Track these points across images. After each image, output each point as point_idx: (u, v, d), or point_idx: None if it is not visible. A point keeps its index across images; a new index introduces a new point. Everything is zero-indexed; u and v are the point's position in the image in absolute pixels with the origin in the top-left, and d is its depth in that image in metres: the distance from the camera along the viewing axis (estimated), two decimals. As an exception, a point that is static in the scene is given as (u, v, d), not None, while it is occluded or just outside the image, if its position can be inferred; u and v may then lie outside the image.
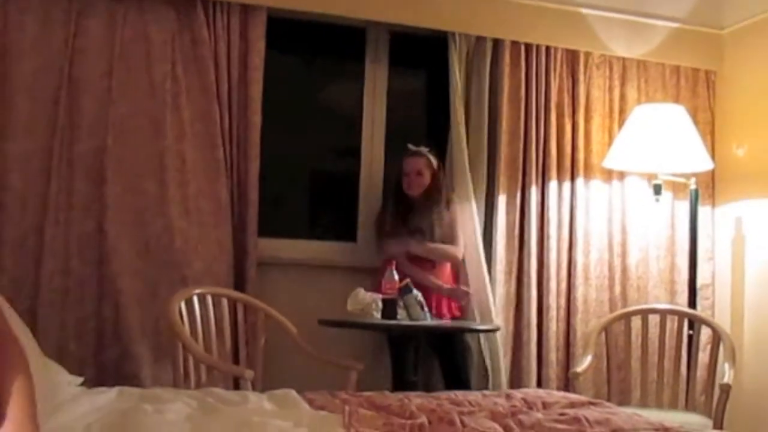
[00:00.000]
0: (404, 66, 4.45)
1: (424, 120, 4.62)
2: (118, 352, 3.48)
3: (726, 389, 3.48)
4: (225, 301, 3.49)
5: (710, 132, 4.43)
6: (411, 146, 3.92)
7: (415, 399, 2.54)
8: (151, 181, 3.60)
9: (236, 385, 3.35)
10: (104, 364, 3.47)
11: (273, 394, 2.58)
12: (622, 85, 4.33)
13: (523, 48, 4.12)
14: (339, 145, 4.45)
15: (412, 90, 4.67)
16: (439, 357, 3.89)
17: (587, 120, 4.24)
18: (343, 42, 4.34)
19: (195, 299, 3.33)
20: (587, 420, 2.30)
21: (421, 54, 4.41)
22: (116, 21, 3.56)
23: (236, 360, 3.61)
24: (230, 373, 3.33)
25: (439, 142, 4.07)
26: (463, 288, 3.83)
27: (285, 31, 4.02)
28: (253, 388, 3.07)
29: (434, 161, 3.89)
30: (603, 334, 3.88)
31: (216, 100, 3.67)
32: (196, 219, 3.65)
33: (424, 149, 3.90)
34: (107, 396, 2.41)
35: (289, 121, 3.86)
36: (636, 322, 3.96)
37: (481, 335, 3.93)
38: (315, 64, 4.53)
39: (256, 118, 3.73)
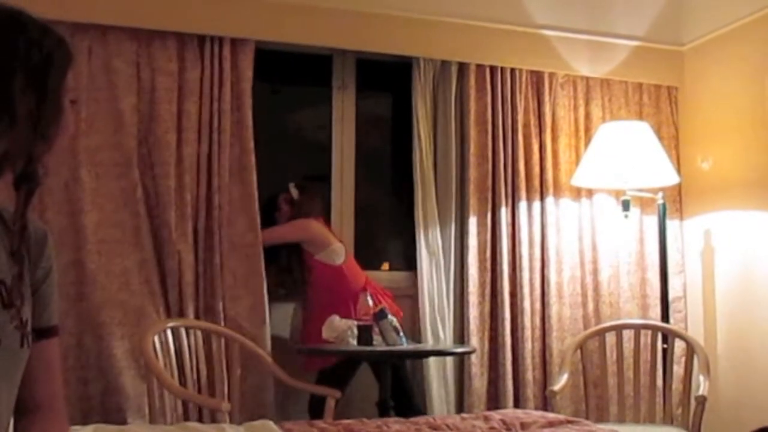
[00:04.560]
0: (372, 91, 4.46)
1: (393, 144, 4.64)
2: (103, 385, 3.44)
3: (702, 401, 3.50)
4: (199, 333, 3.47)
5: (675, 147, 4.49)
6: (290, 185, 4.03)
7: (394, 425, 2.53)
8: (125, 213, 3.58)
9: (213, 417, 3.32)
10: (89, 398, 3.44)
11: (250, 425, 2.56)
12: (587, 104, 4.38)
13: (488, 71, 4.15)
14: (309, 171, 4.44)
15: (382, 115, 4.69)
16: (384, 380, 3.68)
17: (554, 139, 4.28)
18: (309, 69, 4.35)
19: (169, 332, 3.31)
20: (565, 439, 2.31)
21: (389, 79, 4.43)
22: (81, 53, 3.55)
23: (213, 392, 3.58)
24: (206, 406, 3.30)
25: (408, 166, 4.08)
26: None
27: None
28: (231, 420, 3.05)
29: (295, 193, 3.97)
30: (578, 352, 3.90)
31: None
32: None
33: (291, 185, 3.99)
34: (82, 435, 2.39)
35: (258, 148, 3.86)
36: (610, 338, 3.98)
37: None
38: (282, 92, 4.53)
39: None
